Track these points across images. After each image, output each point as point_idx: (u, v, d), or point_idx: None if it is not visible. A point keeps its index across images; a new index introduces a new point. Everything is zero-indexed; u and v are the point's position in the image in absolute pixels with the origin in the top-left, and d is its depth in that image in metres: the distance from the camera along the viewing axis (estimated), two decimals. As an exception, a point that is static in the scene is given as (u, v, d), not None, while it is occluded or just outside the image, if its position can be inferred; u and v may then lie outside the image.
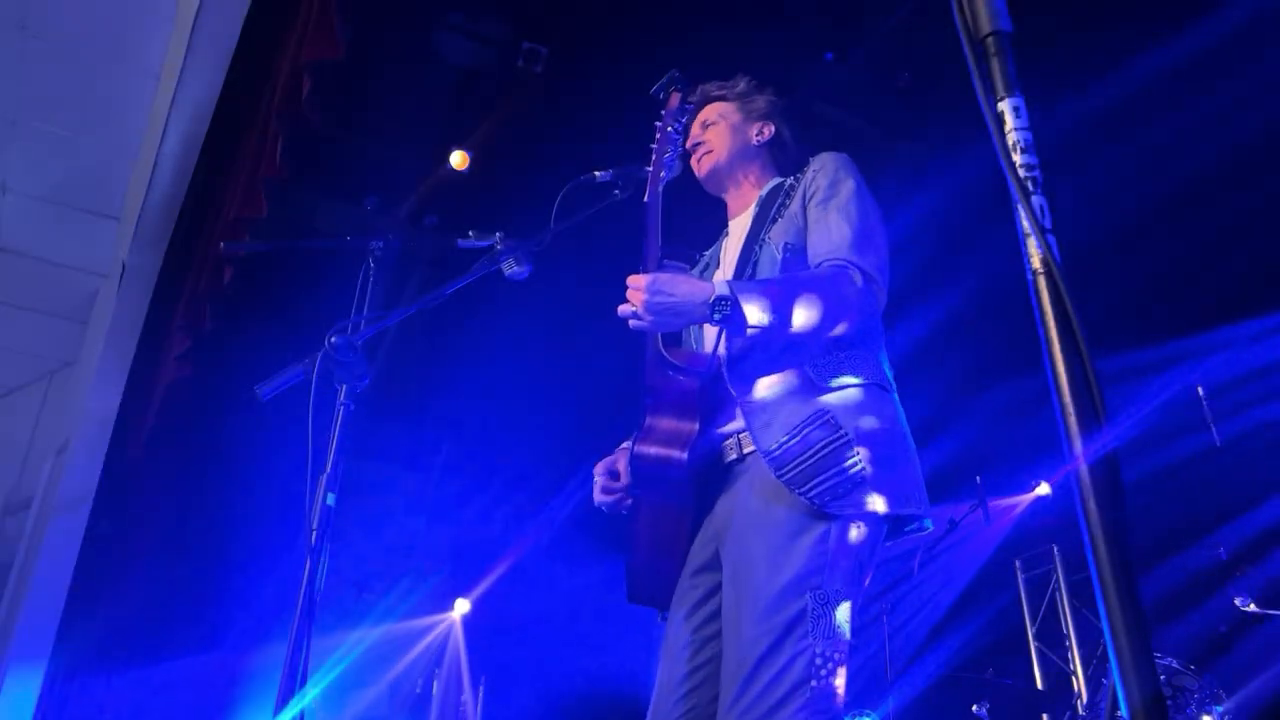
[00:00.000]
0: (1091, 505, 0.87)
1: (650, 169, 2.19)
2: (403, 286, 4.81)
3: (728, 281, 1.79)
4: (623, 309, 1.82)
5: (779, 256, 1.98)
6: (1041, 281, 0.96)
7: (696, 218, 2.39)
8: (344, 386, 2.07)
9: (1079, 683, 4.92)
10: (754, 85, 2.33)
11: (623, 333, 1.85)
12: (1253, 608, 3.95)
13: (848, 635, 1.70)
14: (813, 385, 1.85)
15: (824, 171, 2.05)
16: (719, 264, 2.21)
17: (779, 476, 1.77)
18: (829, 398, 1.84)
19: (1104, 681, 4.62)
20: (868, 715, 4.43)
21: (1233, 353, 4.62)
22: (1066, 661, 5.12)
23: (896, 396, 1.95)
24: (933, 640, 5.44)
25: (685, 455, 1.86)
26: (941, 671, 5.07)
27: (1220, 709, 3.78)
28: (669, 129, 2.23)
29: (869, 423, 1.82)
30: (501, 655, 6.23)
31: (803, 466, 1.76)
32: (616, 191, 2.26)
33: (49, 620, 4.64)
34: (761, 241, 2.04)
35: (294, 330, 2.87)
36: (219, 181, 4.43)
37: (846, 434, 1.78)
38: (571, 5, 3.99)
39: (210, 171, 4.51)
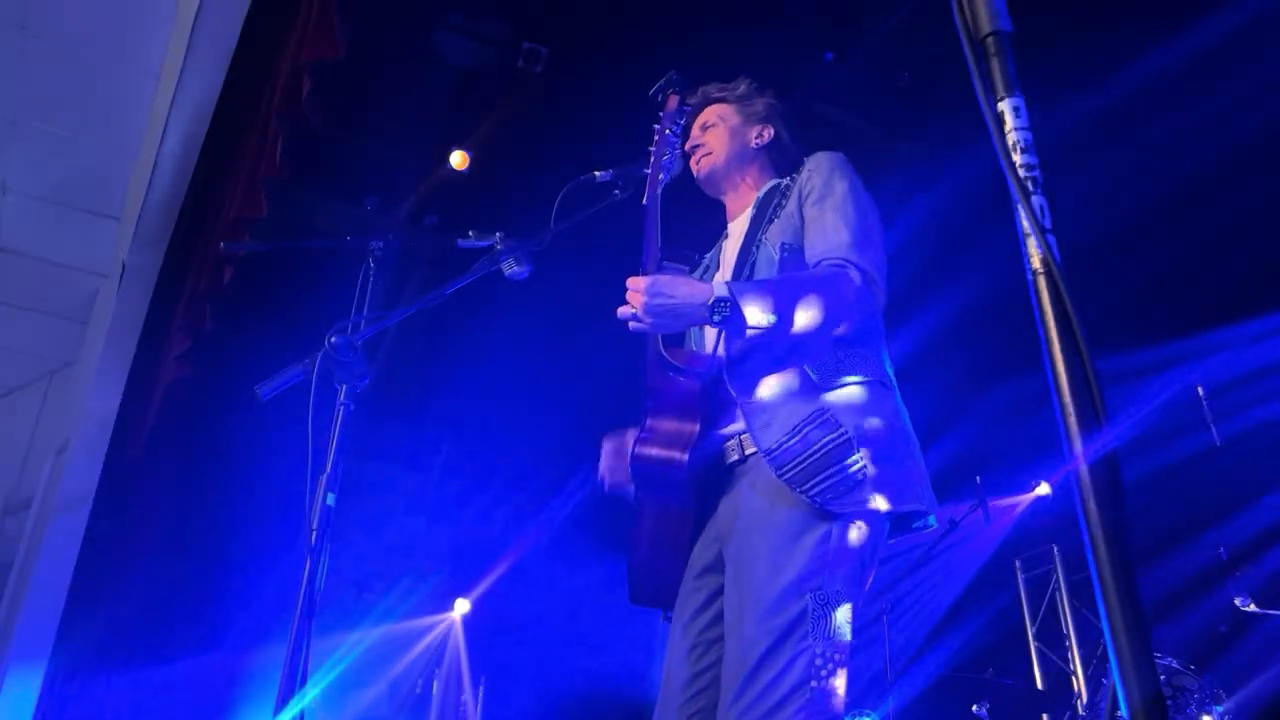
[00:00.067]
0: (1091, 505, 0.88)
1: (649, 171, 2.19)
2: (403, 286, 4.81)
3: (727, 283, 1.79)
4: (622, 311, 1.82)
5: (776, 257, 1.98)
6: (1041, 281, 0.96)
7: (696, 220, 2.40)
8: (344, 386, 2.07)
9: (1079, 683, 4.92)
10: (755, 88, 2.33)
11: (623, 333, 1.85)
12: (1253, 608, 3.95)
13: (848, 636, 1.71)
14: (813, 385, 1.85)
15: (819, 171, 2.05)
16: (719, 266, 2.22)
17: (780, 476, 1.77)
18: (829, 397, 1.84)
19: (1104, 681, 4.62)
20: (868, 715, 4.43)
21: (1233, 353, 4.62)
22: (1066, 661, 5.12)
23: (898, 394, 1.94)
24: (933, 640, 5.43)
25: (686, 457, 1.86)
26: (941, 671, 5.07)
27: (1220, 709, 3.78)
28: (667, 131, 2.23)
29: (869, 420, 1.82)
30: (501, 655, 6.23)
31: (803, 465, 1.76)
32: (616, 191, 2.27)
33: (49, 620, 4.64)
34: (758, 242, 2.04)
35: (294, 330, 2.87)
36: (219, 181, 4.43)
37: (847, 432, 1.79)
38: (571, 5, 3.99)
39: (210, 171, 4.51)
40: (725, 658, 1.76)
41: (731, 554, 1.86)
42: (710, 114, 2.29)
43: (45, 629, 4.62)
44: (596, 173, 2.28)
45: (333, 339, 2.02)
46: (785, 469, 1.77)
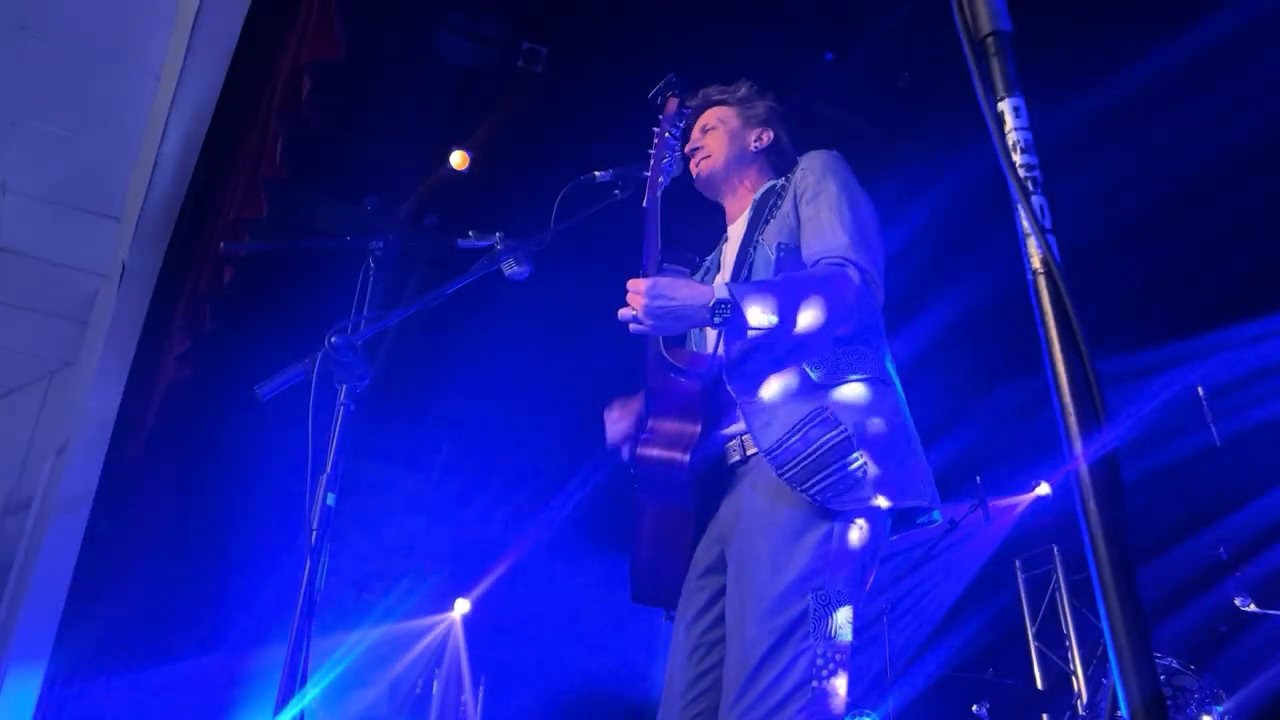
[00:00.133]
0: (1091, 505, 0.87)
1: (649, 174, 2.19)
2: (403, 286, 4.81)
3: (727, 284, 1.79)
4: (623, 313, 1.82)
5: (773, 257, 1.99)
6: (1041, 281, 0.96)
7: (696, 223, 2.40)
8: (344, 386, 2.07)
9: (1079, 683, 4.92)
10: (755, 90, 2.34)
11: (623, 333, 1.85)
12: (1253, 608, 3.95)
13: (849, 636, 1.71)
14: (813, 384, 1.85)
15: (812, 170, 2.06)
16: (719, 269, 2.22)
17: (780, 475, 1.77)
18: (829, 395, 1.84)
19: (1104, 681, 4.62)
20: (868, 715, 4.43)
21: (1233, 353, 4.62)
22: (1066, 661, 5.12)
23: (900, 391, 1.94)
24: (933, 640, 5.43)
25: (687, 458, 1.87)
26: (941, 671, 5.07)
27: (1220, 709, 3.78)
28: (666, 134, 2.24)
29: (869, 418, 1.82)
30: (501, 655, 6.22)
31: (804, 464, 1.76)
32: (616, 191, 2.27)
33: (49, 620, 4.64)
34: (755, 243, 2.05)
35: (294, 330, 2.87)
36: (219, 181, 4.43)
37: (846, 430, 1.79)
38: (571, 5, 3.99)
39: (210, 171, 4.51)
40: (727, 658, 1.76)
41: (733, 554, 1.86)
42: (710, 117, 2.30)
43: (45, 629, 4.62)
44: (596, 173, 2.28)
45: (333, 339, 2.01)
46: (786, 468, 1.77)
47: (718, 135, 2.27)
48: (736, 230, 2.21)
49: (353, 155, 4.59)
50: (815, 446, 1.77)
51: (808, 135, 2.34)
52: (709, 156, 2.25)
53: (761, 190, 2.20)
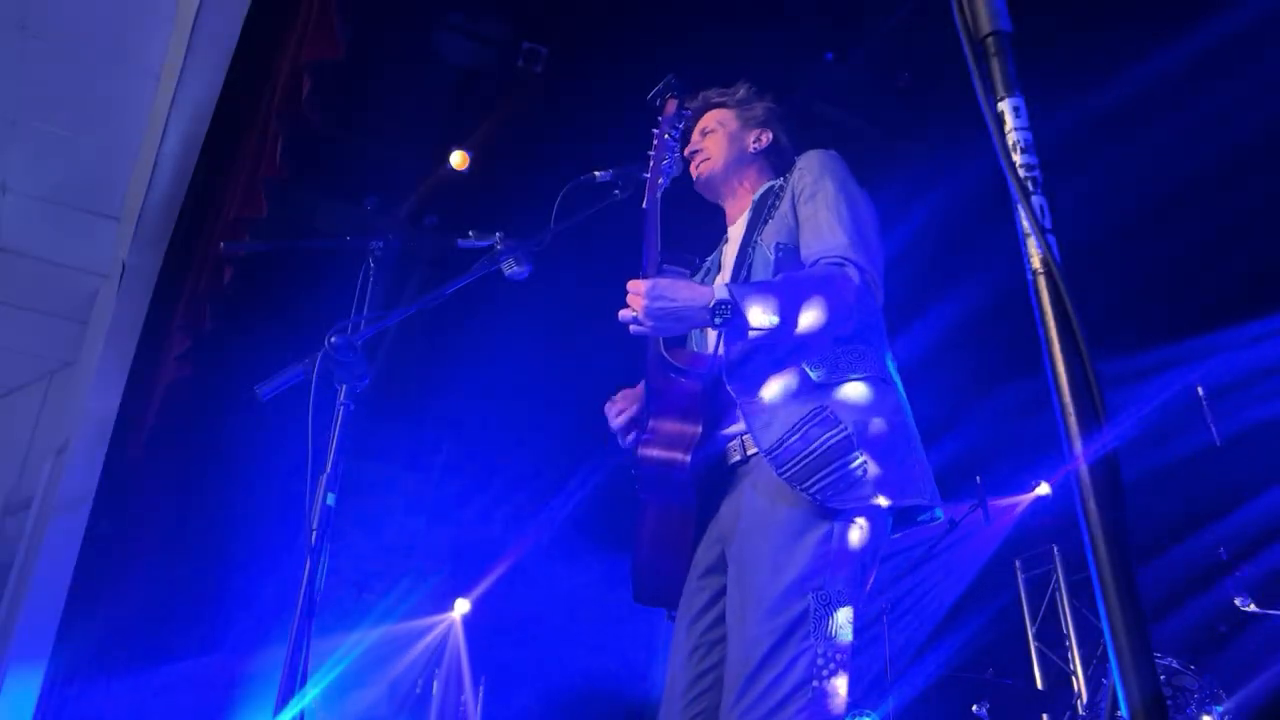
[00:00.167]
0: (1091, 505, 0.87)
1: (648, 175, 2.19)
2: (403, 286, 4.81)
3: (727, 285, 1.79)
4: (624, 314, 1.82)
5: (771, 257, 1.99)
6: (1041, 281, 0.96)
7: (696, 224, 2.40)
8: (344, 386, 2.07)
9: (1079, 683, 4.92)
10: (754, 92, 2.34)
11: (623, 333, 1.86)
12: (1253, 608, 3.95)
13: (850, 636, 1.71)
14: (813, 383, 1.85)
15: (809, 170, 2.06)
16: (719, 269, 2.22)
17: (781, 474, 1.77)
18: (829, 395, 1.84)
19: (1104, 681, 4.62)
20: (868, 715, 4.43)
21: (1233, 353, 4.62)
22: (1066, 661, 5.12)
23: (900, 390, 1.95)
24: (933, 640, 5.43)
25: (688, 458, 1.87)
26: (941, 671, 5.07)
27: (1220, 709, 3.78)
28: (666, 136, 2.24)
29: (870, 416, 1.82)
30: (501, 655, 6.22)
31: (804, 463, 1.76)
32: (616, 192, 2.27)
33: (49, 620, 4.64)
34: (754, 244, 2.05)
35: (294, 330, 2.87)
36: (219, 181, 4.43)
37: (846, 429, 1.79)
38: (571, 5, 3.99)
39: (210, 171, 4.51)
40: (727, 657, 1.76)
41: (734, 554, 1.87)
42: (710, 119, 2.31)
43: (45, 629, 4.62)
44: (596, 173, 2.28)
45: (333, 339, 2.01)
46: (786, 467, 1.77)
47: (717, 138, 2.27)
48: (736, 231, 2.21)
49: (353, 155, 4.59)
50: (815, 445, 1.77)
51: (808, 135, 2.34)
52: (708, 159, 2.26)
53: (760, 191, 2.20)
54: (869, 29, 4.01)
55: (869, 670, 4.72)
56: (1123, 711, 0.81)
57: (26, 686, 4.51)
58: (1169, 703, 3.84)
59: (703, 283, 2.19)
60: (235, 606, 5.22)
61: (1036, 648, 5.39)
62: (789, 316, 1.79)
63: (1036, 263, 0.97)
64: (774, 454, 1.79)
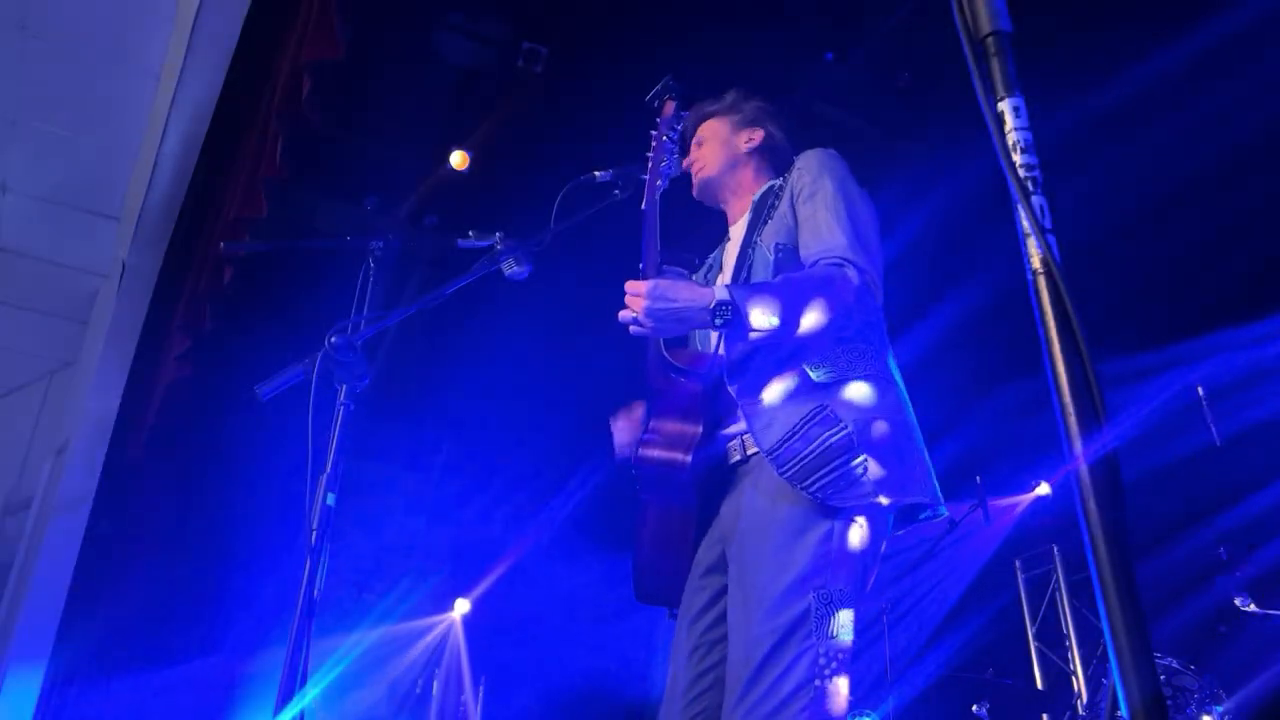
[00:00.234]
0: (1091, 505, 0.87)
1: (646, 177, 2.19)
2: (403, 286, 4.81)
3: (728, 286, 1.80)
4: (624, 315, 1.82)
5: (771, 257, 1.99)
6: (1041, 281, 0.96)
7: (696, 225, 2.40)
8: (344, 386, 2.07)
9: (1079, 683, 4.92)
10: (742, 94, 2.35)
11: (623, 333, 1.86)
12: (1253, 608, 3.95)
13: (851, 634, 1.71)
14: (813, 384, 1.85)
15: (808, 169, 2.06)
16: (720, 268, 2.22)
17: (781, 474, 1.77)
18: (830, 394, 1.84)
19: (1104, 681, 4.62)
20: (868, 715, 4.43)
21: (1233, 353, 4.62)
22: (1066, 661, 5.12)
23: (901, 389, 1.94)
24: (933, 640, 5.43)
25: (689, 458, 1.87)
26: (941, 671, 5.07)
27: (1220, 709, 3.78)
28: (664, 137, 2.24)
29: (870, 415, 1.82)
30: (501, 655, 6.23)
31: (805, 462, 1.76)
32: (616, 191, 2.27)
33: (49, 621, 4.64)
34: (754, 244, 2.05)
35: (294, 330, 2.87)
36: (219, 181, 4.43)
37: (847, 427, 1.79)
38: (571, 5, 3.99)
39: (210, 171, 4.51)
40: (729, 657, 1.77)
41: (734, 554, 1.87)
42: (704, 130, 2.33)
43: (45, 629, 4.62)
44: (596, 173, 2.28)
45: (333, 339, 2.01)
46: (787, 466, 1.77)
47: (710, 147, 2.30)
48: (737, 231, 2.22)
49: (353, 155, 4.59)
50: (816, 444, 1.78)
51: (808, 135, 2.34)
52: (702, 168, 2.28)
53: (761, 191, 2.20)
54: (869, 29, 4.01)
55: (869, 671, 4.72)
56: (1123, 711, 0.81)
57: (26, 687, 4.51)
58: (1169, 703, 3.84)
59: (704, 280, 2.20)
60: (235, 607, 5.22)
61: (1036, 648, 5.39)
62: (789, 318, 1.79)
63: (1036, 263, 0.97)
64: (775, 454, 1.79)
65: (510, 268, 2.27)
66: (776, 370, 1.88)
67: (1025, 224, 0.99)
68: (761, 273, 2.00)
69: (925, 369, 4.31)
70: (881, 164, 4.23)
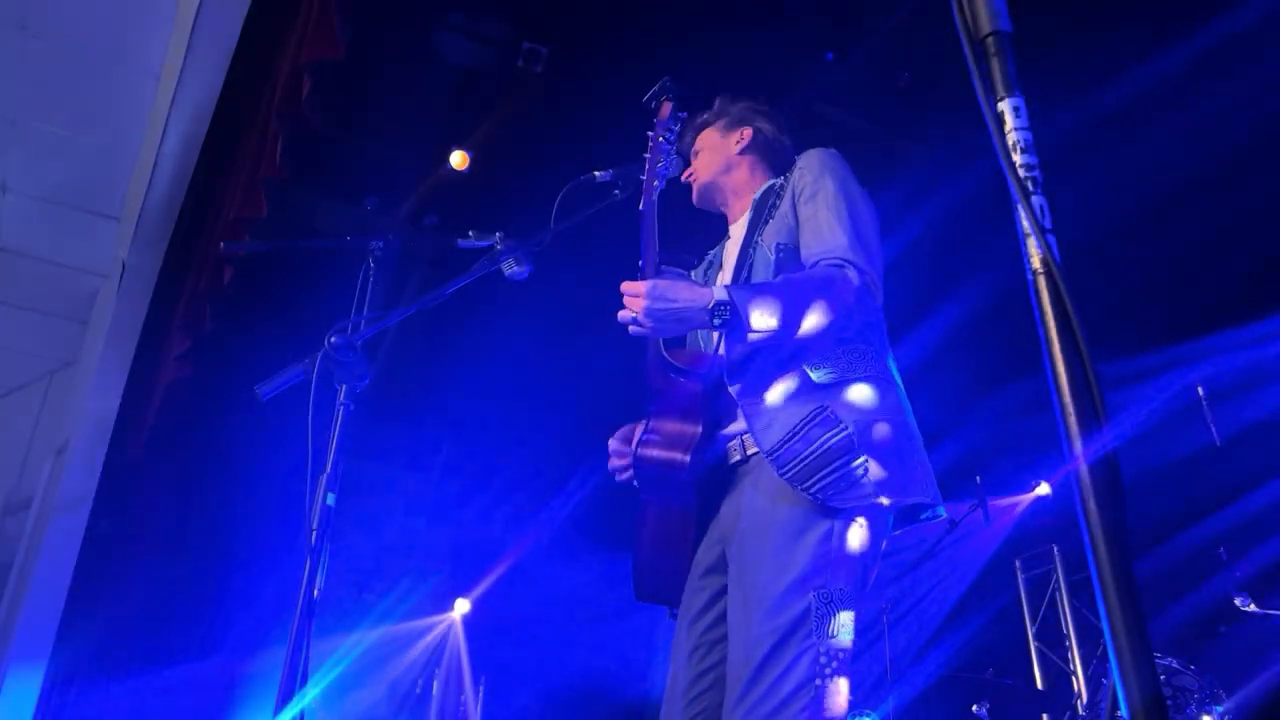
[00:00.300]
0: (1091, 505, 0.87)
1: (644, 178, 2.20)
2: (403, 286, 4.81)
3: (726, 286, 1.80)
4: (623, 315, 1.82)
5: (772, 258, 1.99)
6: (1041, 281, 0.96)
7: (695, 226, 2.40)
8: (344, 386, 2.07)
9: (1079, 683, 4.92)
10: (728, 98, 2.37)
11: (623, 333, 1.86)
12: (1253, 608, 3.95)
13: (852, 634, 1.71)
14: (813, 384, 1.85)
15: (809, 169, 2.06)
16: (721, 266, 2.22)
17: (782, 475, 1.77)
18: (830, 395, 1.84)
19: (1104, 681, 4.62)
20: (868, 715, 4.43)
21: (1233, 353, 4.62)
22: (1066, 661, 5.12)
23: (901, 389, 1.95)
24: (933, 640, 5.44)
25: (688, 458, 1.87)
26: (941, 671, 5.07)
27: (1220, 709, 3.78)
28: (661, 139, 2.24)
29: (870, 416, 1.82)
30: (501, 655, 6.23)
31: (805, 463, 1.76)
32: (616, 191, 2.27)
33: (49, 621, 4.64)
34: (755, 244, 2.05)
35: (294, 330, 2.87)
36: (219, 181, 4.43)
37: (847, 428, 1.79)
38: (571, 5, 3.99)
39: (210, 171, 4.51)
40: (729, 657, 1.77)
41: (734, 554, 1.87)
42: (699, 142, 2.34)
43: (45, 629, 4.62)
44: (596, 173, 2.28)
45: (333, 339, 2.01)
46: (787, 468, 1.77)
47: (703, 156, 2.32)
48: (738, 230, 2.22)
49: (353, 155, 4.58)
50: (816, 445, 1.77)
51: (808, 135, 2.34)
52: (699, 175, 2.30)
53: (761, 190, 2.20)
54: (869, 29, 4.01)
55: (870, 671, 4.73)
56: (1123, 711, 0.81)
57: (26, 687, 4.51)
58: (1169, 703, 3.84)
59: (705, 278, 2.20)
60: (235, 607, 5.22)
61: (1036, 648, 5.39)
62: (789, 319, 1.79)
63: (1036, 263, 0.97)
64: (775, 454, 1.79)
65: (510, 268, 2.27)
66: (777, 371, 1.88)
67: (1025, 224, 0.99)
68: (762, 273, 2.00)
69: (925, 369, 4.32)
70: (881, 164, 4.23)
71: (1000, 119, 1.04)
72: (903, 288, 2.34)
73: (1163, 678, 3.91)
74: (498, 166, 4.49)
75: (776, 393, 1.86)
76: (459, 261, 2.34)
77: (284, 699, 1.77)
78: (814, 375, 1.86)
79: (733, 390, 1.88)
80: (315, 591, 1.85)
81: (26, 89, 4.58)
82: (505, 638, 6.32)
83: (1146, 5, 3.67)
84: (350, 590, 6.17)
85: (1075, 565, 5.34)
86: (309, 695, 1.81)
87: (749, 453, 1.92)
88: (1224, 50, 3.65)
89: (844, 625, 1.70)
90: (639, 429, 2.10)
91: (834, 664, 1.66)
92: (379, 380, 3.13)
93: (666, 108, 2.30)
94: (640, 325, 1.81)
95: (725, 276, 2.15)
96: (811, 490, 1.74)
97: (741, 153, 2.28)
